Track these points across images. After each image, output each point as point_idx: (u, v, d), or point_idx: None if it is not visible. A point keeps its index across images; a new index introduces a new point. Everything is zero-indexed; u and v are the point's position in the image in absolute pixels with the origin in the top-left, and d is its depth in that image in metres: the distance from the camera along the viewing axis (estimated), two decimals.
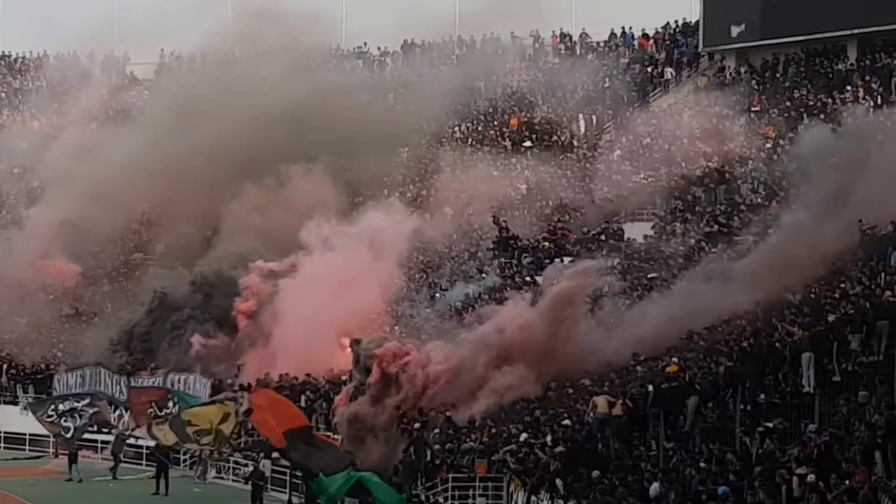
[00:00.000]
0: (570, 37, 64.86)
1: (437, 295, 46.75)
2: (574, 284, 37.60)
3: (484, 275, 46.70)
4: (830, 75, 49.40)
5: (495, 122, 59.05)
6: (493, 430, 32.79)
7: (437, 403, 36.42)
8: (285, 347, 44.91)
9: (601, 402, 30.48)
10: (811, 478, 20.54)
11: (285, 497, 37.71)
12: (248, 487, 37.06)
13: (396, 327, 44.08)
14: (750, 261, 35.76)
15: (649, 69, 58.88)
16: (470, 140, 56.75)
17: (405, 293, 47.10)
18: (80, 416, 44.69)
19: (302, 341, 44.02)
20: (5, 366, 52.21)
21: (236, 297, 48.35)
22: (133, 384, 45.55)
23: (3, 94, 71.87)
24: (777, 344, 28.26)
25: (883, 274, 30.12)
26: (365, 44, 67.08)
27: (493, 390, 35.17)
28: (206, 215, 52.67)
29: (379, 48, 68.26)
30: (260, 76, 54.60)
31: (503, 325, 37.04)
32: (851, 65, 49.83)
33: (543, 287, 40.99)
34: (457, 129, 57.76)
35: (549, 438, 30.33)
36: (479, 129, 58.15)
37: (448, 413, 35.30)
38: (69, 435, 43.51)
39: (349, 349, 42.05)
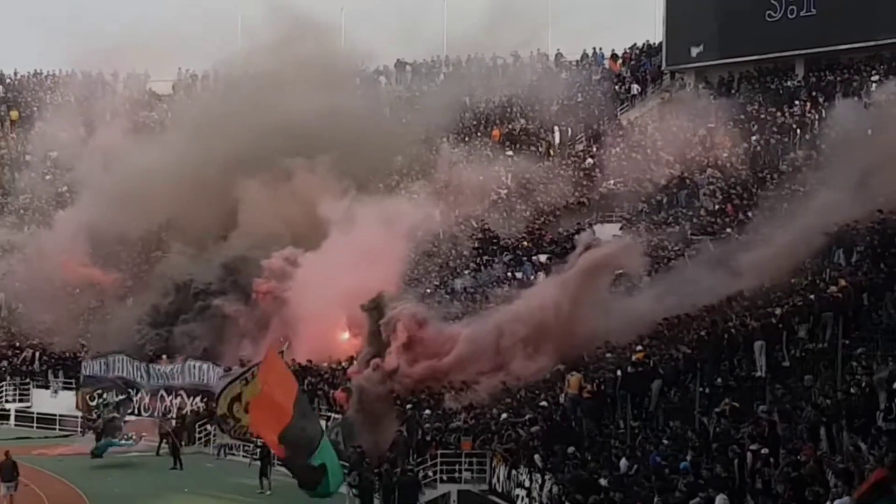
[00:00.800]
0: (547, 56, 64.90)
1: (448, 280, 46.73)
2: (608, 252, 37.47)
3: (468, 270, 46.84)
4: (780, 91, 49.49)
5: (479, 134, 59.07)
6: (478, 411, 32.81)
7: (452, 376, 36.28)
8: (303, 318, 44.43)
9: (574, 381, 30.50)
10: (763, 452, 20.56)
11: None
12: (258, 463, 37.12)
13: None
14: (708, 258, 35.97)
15: (617, 86, 58.94)
16: (457, 150, 56.70)
17: (416, 274, 46.82)
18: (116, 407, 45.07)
19: (320, 309, 43.20)
20: (38, 353, 52.13)
21: (257, 277, 47.73)
22: (152, 370, 45.56)
23: (35, 108, 71.70)
24: (732, 332, 28.35)
25: (828, 270, 30.21)
26: (362, 62, 66.96)
27: (508, 372, 34.90)
28: (223, 211, 52.16)
29: (378, 67, 68.18)
30: (269, 92, 54.24)
31: (528, 306, 36.79)
32: (799, 82, 49.90)
33: (575, 254, 39.97)
34: (445, 139, 57.65)
35: (527, 418, 30.38)
36: (466, 139, 58.13)
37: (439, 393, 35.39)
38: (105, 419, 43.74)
39: (349, 335, 41.58)
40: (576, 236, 46.29)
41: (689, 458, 22.55)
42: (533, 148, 56.20)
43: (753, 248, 34.10)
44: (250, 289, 47.86)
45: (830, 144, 42.11)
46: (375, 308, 40.20)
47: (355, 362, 40.39)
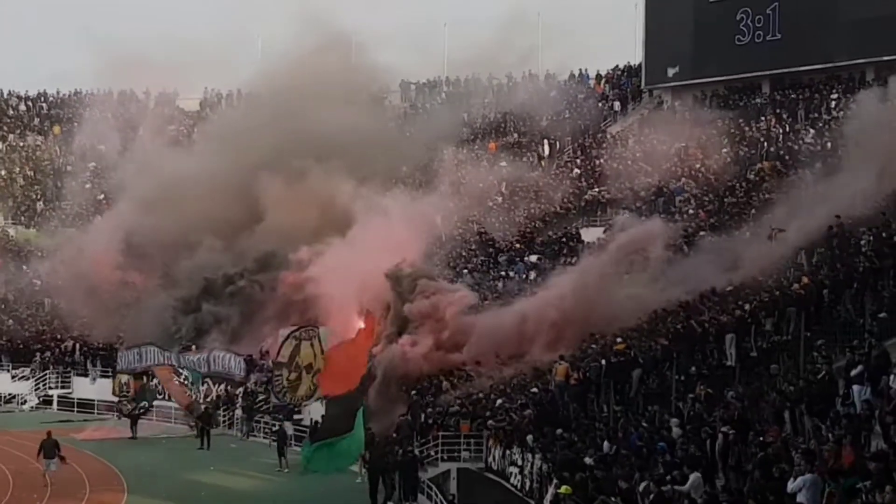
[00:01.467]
0: (538, 76, 64.88)
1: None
2: (644, 233, 37.43)
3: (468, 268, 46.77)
4: (748, 108, 49.51)
5: (476, 146, 59.06)
6: (475, 398, 32.77)
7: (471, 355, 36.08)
8: (328, 308, 44.13)
9: (561, 370, 30.49)
10: (732, 434, 20.54)
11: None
12: (275, 443, 37.14)
13: None
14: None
15: (601, 103, 58.95)
16: (456, 161, 56.70)
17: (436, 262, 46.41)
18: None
19: (343, 295, 42.68)
20: (78, 344, 52.13)
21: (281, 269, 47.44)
22: (181, 359, 45.48)
23: (76, 124, 71.71)
24: (705, 326, 28.35)
25: (791, 269, 30.21)
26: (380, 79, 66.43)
27: (526, 362, 34.46)
28: (249, 210, 51.28)
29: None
30: (293, 105, 53.87)
31: (559, 289, 36.65)
32: (765, 99, 49.94)
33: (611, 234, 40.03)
34: (445, 151, 57.63)
35: (519, 403, 30.35)
36: (464, 151, 58.13)
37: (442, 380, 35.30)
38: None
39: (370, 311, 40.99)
40: (562, 239, 46.55)
41: (665, 438, 22.50)
42: (525, 159, 56.18)
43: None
44: (275, 279, 47.56)
45: (794, 156, 42.25)
46: (398, 280, 39.75)
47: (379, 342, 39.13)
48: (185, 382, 44.37)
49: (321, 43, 55.43)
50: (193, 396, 43.95)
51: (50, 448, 31.87)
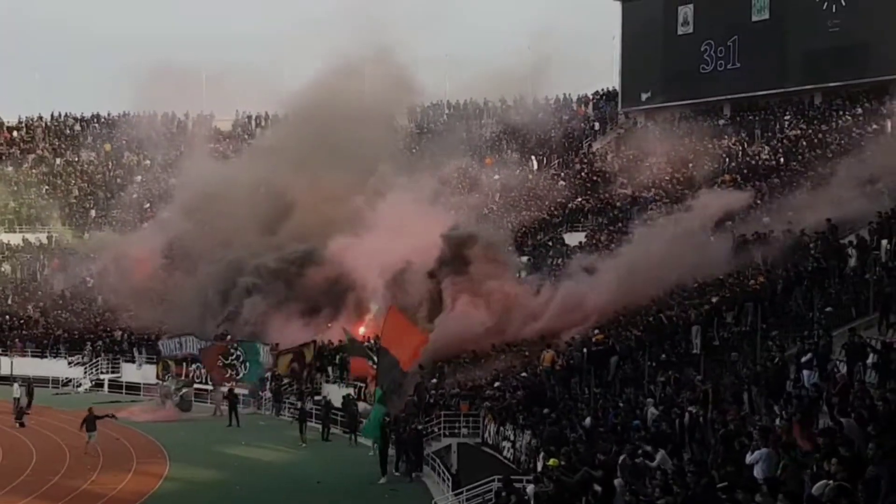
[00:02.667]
0: (527, 100, 64.71)
1: None
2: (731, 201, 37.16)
3: None
4: (711, 127, 49.49)
5: (474, 162, 59.01)
6: (473, 381, 32.78)
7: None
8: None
9: (548, 357, 30.47)
10: (697, 413, 20.52)
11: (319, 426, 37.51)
12: (297, 421, 37.11)
13: None
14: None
15: (583, 124, 58.93)
16: (457, 174, 56.67)
17: None
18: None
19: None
20: (126, 334, 52.13)
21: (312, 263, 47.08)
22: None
23: (125, 141, 71.73)
24: (673, 319, 28.34)
25: (749, 268, 30.22)
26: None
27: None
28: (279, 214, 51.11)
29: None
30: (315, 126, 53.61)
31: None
32: (727, 120, 49.95)
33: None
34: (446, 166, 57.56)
35: (512, 385, 30.35)
36: (463, 165, 58.08)
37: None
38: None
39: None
40: (549, 242, 46.49)
41: (652, 415, 22.40)
42: (517, 172, 56.13)
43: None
44: (304, 274, 47.13)
45: (752, 169, 42.24)
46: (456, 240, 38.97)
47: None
48: (233, 362, 43.54)
49: (344, 66, 55.32)
50: (231, 377, 43.26)
51: (91, 422, 32.49)
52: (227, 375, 43.37)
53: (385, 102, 56.25)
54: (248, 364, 43.37)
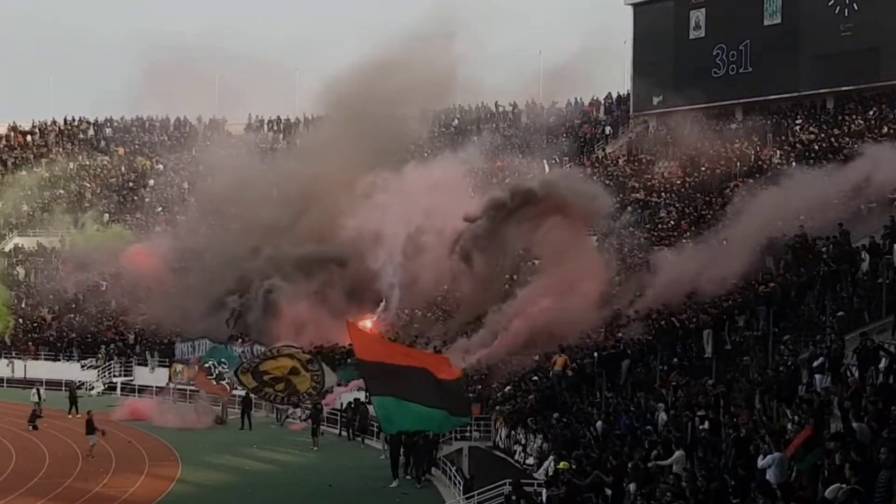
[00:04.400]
0: (539, 105, 64.71)
1: None
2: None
3: None
4: (723, 131, 49.33)
5: (485, 165, 58.89)
6: (485, 384, 32.80)
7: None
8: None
9: (560, 361, 30.45)
10: (711, 416, 20.50)
11: (335, 430, 37.68)
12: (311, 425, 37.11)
13: None
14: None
15: (595, 127, 58.86)
16: (469, 178, 56.60)
17: None
18: None
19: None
20: (139, 337, 52.27)
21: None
22: (215, 351, 44.91)
23: (137, 145, 71.99)
24: (685, 323, 28.31)
25: (760, 273, 30.15)
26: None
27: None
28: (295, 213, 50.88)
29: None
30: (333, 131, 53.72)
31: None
32: (738, 124, 49.78)
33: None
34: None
35: (523, 389, 30.36)
36: (474, 169, 57.97)
37: None
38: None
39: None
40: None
41: (650, 421, 22.44)
42: (529, 175, 55.98)
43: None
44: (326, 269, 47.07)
45: (763, 173, 42.07)
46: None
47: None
48: (218, 378, 42.83)
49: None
50: (228, 388, 42.83)
51: (89, 426, 32.93)
52: (224, 383, 43.07)
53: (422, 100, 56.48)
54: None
